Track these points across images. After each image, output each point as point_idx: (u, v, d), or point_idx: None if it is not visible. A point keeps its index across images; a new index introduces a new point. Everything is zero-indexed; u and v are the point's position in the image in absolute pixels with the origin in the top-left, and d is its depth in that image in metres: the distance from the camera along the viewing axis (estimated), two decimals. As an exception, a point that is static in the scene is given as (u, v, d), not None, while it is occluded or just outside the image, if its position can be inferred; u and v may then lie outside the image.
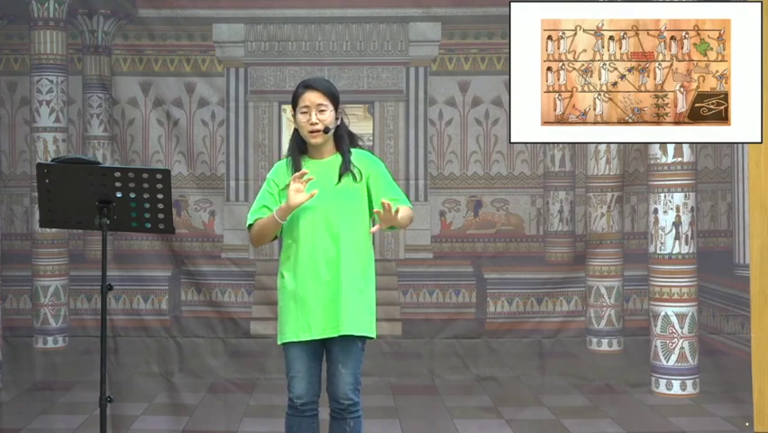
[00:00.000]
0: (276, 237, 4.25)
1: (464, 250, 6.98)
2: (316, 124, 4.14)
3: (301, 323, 4.13)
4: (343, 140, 4.22)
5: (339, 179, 4.17)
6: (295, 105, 4.20)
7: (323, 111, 4.15)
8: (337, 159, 4.21)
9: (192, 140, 6.91)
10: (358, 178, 4.17)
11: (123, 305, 6.73)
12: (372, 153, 4.42)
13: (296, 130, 4.24)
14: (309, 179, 4.04)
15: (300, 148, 4.23)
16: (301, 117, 4.17)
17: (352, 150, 4.23)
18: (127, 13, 6.82)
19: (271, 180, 4.25)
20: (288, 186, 4.13)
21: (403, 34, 6.95)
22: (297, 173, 4.07)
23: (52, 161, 4.29)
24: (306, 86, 4.19)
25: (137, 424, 6.07)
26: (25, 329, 6.73)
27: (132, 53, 6.83)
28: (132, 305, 6.76)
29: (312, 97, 4.16)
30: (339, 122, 4.20)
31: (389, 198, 4.14)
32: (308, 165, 4.20)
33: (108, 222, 4.16)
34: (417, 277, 6.89)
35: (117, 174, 4.16)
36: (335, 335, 4.12)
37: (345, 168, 4.17)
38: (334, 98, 4.19)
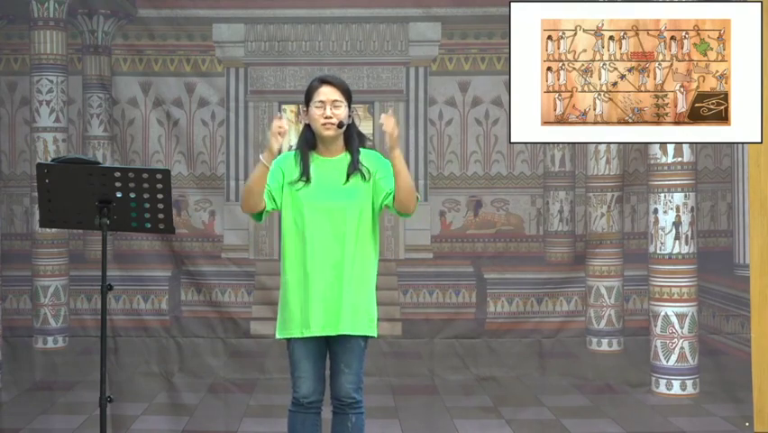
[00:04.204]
0: (266, 210, 4.20)
1: (464, 250, 6.98)
2: (331, 118, 4.15)
3: (303, 320, 4.13)
4: (353, 139, 4.23)
5: (347, 179, 4.17)
6: (308, 99, 4.20)
7: (338, 107, 4.16)
8: (346, 158, 4.22)
9: (192, 140, 6.91)
10: (367, 177, 4.18)
11: (123, 305, 6.73)
12: (380, 153, 4.42)
13: (306, 126, 4.24)
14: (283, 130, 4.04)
15: (309, 144, 4.23)
16: (315, 111, 4.17)
17: (361, 150, 4.24)
18: (127, 13, 6.82)
19: (278, 166, 4.23)
20: (294, 181, 4.15)
21: (403, 34, 6.95)
22: (281, 125, 4.04)
23: (52, 161, 4.29)
24: (323, 81, 4.21)
25: (137, 424, 6.07)
26: (25, 329, 6.72)
27: (132, 53, 6.83)
28: (132, 305, 6.75)
29: (328, 92, 4.17)
30: (350, 120, 4.21)
31: (390, 183, 4.14)
32: (317, 162, 4.21)
33: (108, 222, 4.16)
34: (417, 277, 6.89)
35: (117, 174, 4.17)
36: (335, 333, 4.13)
37: (354, 167, 4.18)
38: (349, 96, 4.21)
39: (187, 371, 6.55)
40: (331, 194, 4.15)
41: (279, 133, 4.06)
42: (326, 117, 4.15)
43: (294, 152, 4.27)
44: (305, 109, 4.24)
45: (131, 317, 6.70)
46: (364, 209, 4.19)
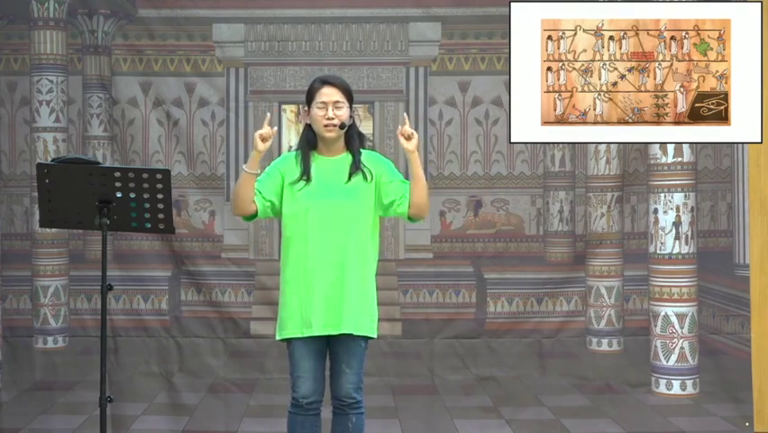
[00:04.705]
0: (258, 215, 4.19)
1: (464, 250, 6.98)
2: (333, 119, 4.15)
3: (304, 319, 4.13)
4: (354, 140, 4.24)
5: (349, 178, 4.18)
6: (310, 99, 4.21)
7: (339, 108, 4.17)
8: (347, 158, 4.22)
9: (192, 140, 6.91)
10: (369, 177, 4.19)
11: (123, 305, 6.73)
12: (381, 154, 4.43)
13: (307, 125, 4.25)
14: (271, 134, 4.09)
15: (311, 144, 4.23)
16: (317, 111, 4.18)
17: (362, 150, 4.24)
18: (127, 13, 6.82)
19: (276, 168, 4.24)
20: (295, 181, 4.15)
21: (403, 34, 6.95)
22: (265, 132, 4.07)
23: (52, 161, 4.30)
24: (324, 81, 4.21)
25: (137, 424, 6.07)
26: (25, 329, 6.72)
27: (132, 53, 6.83)
28: (132, 305, 6.76)
29: (330, 93, 4.18)
30: (351, 121, 4.22)
31: (399, 190, 4.15)
32: (318, 162, 4.21)
33: (108, 222, 4.16)
34: (417, 277, 6.89)
35: (117, 174, 4.17)
36: (337, 332, 4.12)
37: (356, 167, 4.19)
38: (350, 96, 4.22)
39: (187, 371, 6.55)
40: (333, 193, 4.16)
41: (263, 139, 4.07)
42: (328, 118, 4.16)
43: (294, 152, 4.27)
44: (306, 109, 4.25)
45: (131, 317, 6.70)
46: (366, 209, 4.19)
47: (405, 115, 4.31)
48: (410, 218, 4.25)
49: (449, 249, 6.98)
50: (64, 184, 4.17)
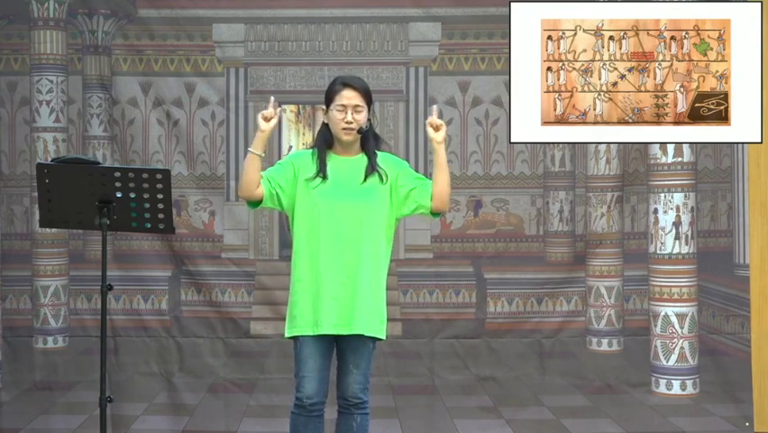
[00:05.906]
0: (263, 202, 4.18)
1: (464, 250, 6.98)
2: (352, 123, 4.14)
3: (315, 318, 4.12)
4: (369, 141, 4.22)
5: (365, 179, 4.17)
6: (329, 100, 4.20)
7: (359, 111, 4.16)
8: (363, 159, 4.21)
9: (192, 140, 6.91)
10: (384, 179, 4.18)
11: (123, 305, 6.73)
12: (395, 155, 4.42)
13: (324, 124, 4.24)
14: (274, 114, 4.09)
15: (327, 142, 4.22)
16: (336, 114, 4.16)
17: (377, 152, 4.24)
18: (127, 13, 6.83)
19: (290, 162, 4.23)
20: (310, 179, 4.13)
21: (403, 34, 6.95)
22: (267, 112, 4.08)
23: (52, 161, 4.30)
24: (345, 83, 4.19)
25: (137, 424, 6.07)
26: (25, 329, 6.72)
27: (132, 53, 6.83)
28: (132, 305, 6.76)
29: (350, 97, 4.16)
30: (369, 124, 4.21)
31: (418, 185, 4.17)
32: (334, 161, 4.20)
33: (108, 222, 4.16)
34: (417, 277, 6.89)
35: (117, 174, 4.17)
36: (347, 333, 4.11)
37: (372, 168, 4.17)
38: (369, 99, 4.21)
39: (187, 371, 6.55)
40: (348, 193, 4.14)
41: (266, 119, 4.07)
42: (347, 122, 4.14)
43: (311, 150, 4.25)
44: (324, 109, 4.24)
45: (131, 317, 6.70)
46: (380, 210, 4.18)
47: (434, 106, 4.28)
48: (432, 213, 4.24)
49: (449, 249, 6.98)
50: (64, 184, 4.18)
